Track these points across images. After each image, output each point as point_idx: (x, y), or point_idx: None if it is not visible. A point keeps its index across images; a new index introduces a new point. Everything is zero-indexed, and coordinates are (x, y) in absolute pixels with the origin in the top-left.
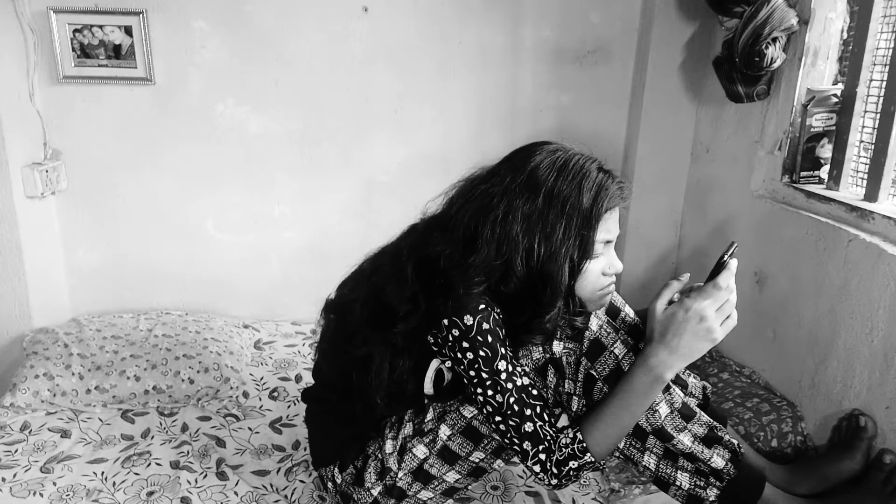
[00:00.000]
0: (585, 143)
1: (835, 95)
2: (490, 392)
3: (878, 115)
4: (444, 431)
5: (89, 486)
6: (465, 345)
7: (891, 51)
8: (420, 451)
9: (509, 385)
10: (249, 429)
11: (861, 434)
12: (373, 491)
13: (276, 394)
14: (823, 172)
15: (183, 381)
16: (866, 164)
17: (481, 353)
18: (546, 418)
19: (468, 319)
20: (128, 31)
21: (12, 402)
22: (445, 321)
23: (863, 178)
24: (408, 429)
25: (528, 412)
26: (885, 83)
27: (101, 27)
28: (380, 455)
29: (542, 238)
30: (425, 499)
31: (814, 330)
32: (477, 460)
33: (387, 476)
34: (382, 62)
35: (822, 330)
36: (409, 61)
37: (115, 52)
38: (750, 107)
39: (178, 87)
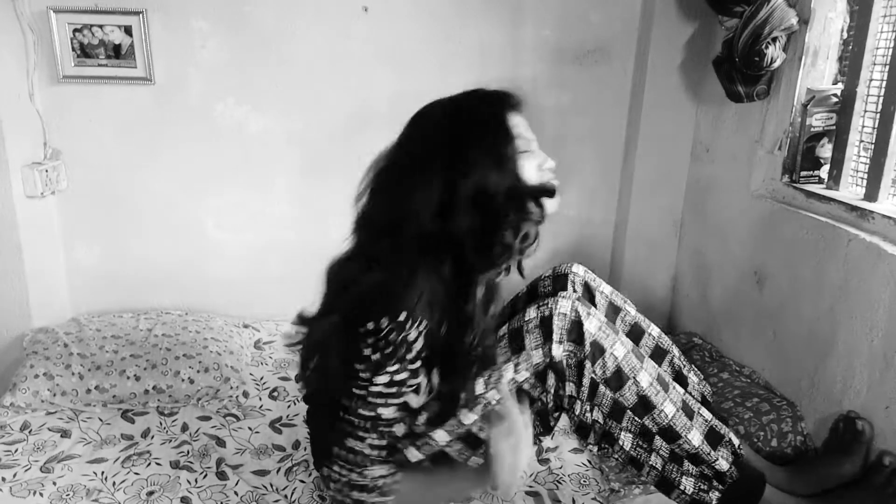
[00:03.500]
0: (585, 145)
1: (835, 95)
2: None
3: (878, 115)
4: (442, 437)
5: (89, 486)
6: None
7: (891, 50)
8: (413, 454)
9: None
10: (249, 428)
11: (859, 438)
12: None
13: (276, 393)
14: (823, 172)
15: (183, 380)
16: (866, 163)
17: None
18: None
19: (384, 322)
20: (127, 30)
21: (12, 402)
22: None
23: (863, 178)
24: (398, 429)
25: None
26: (885, 83)
27: (100, 27)
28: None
29: (466, 169)
30: None
31: (813, 330)
32: (476, 465)
33: None
34: (382, 62)
35: (822, 330)
36: (409, 61)
37: (115, 52)
38: (750, 106)
39: (177, 87)
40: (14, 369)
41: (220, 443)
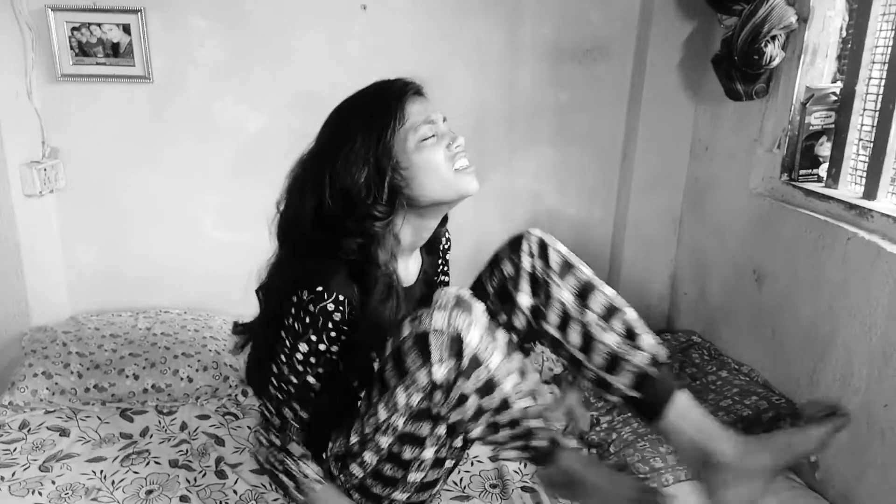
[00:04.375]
0: (584, 143)
1: (834, 93)
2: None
3: (877, 113)
4: (370, 458)
5: (88, 485)
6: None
7: (890, 49)
8: (356, 469)
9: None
10: (248, 427)
11: (832, 415)
12: None
13: None
14: (822, 170)
15: (182, 379)
16: (865, 161)
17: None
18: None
19: (304, 294)
20: (126, 29)
21: (11, 401)
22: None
23: (861, 176)
24: (338, 445)
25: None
26: (884, 81)
27: (99, 25)
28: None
29: (343, 158)
30: None
31: (812, 328)
32: (418, 480)
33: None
34: (381, 60)
35: (821, 328)
36: (408, 59)
37: (114, 51)
38: (749, 105)
39: (176, 86)
40: (13, 368)
41: (219, 441)
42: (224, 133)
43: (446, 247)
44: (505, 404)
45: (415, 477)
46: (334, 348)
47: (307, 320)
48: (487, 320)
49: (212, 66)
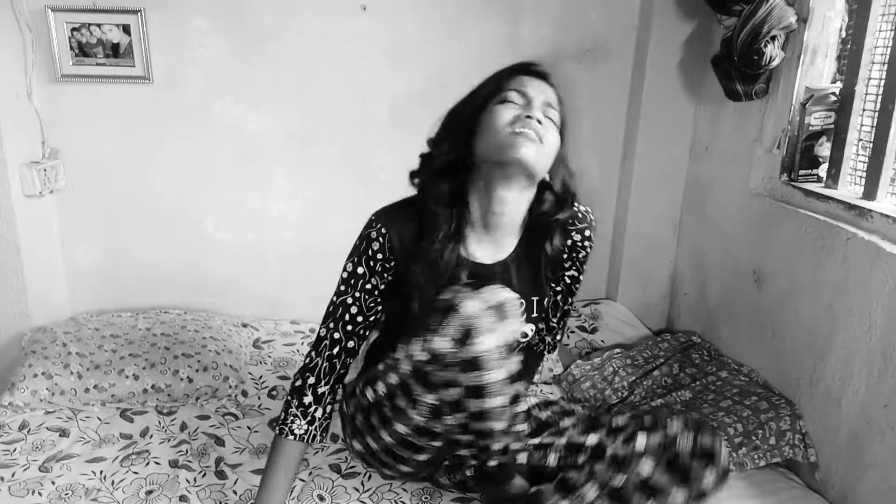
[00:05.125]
0: (584, 144)
1: (833, 94)
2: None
3: (877, 114)
4: (382, 388)
5: (88, 486)
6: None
7: (889, 49)
8: (382, 387)
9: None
10: (248, 427)
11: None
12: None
13: (274, 392)
14: (822, 171)
15: (182, 379)
16: (865, 162)
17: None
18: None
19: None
20: (126, 29)
21: (11, 402)
22: None
23: (861, 177)
24: (379, 366)
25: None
26: (883, 81)
27: (99, 26)
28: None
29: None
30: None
31: (812, 328)
32: (420, 421)
33: (354, 400)
34: (381, 60)
35: (821, 328)
36: (408, 59)
37: (114, 51)
38: (748, 105)
39: (176, 86)
40: (13, 369)
41: (219, 442)
42: (224, 133)
43: (583, 245)
44: (481, 416)
45: (416, 415)
46: (374, 281)
47: (357, 242)
48: (512, 338)
49: (212, 66)
